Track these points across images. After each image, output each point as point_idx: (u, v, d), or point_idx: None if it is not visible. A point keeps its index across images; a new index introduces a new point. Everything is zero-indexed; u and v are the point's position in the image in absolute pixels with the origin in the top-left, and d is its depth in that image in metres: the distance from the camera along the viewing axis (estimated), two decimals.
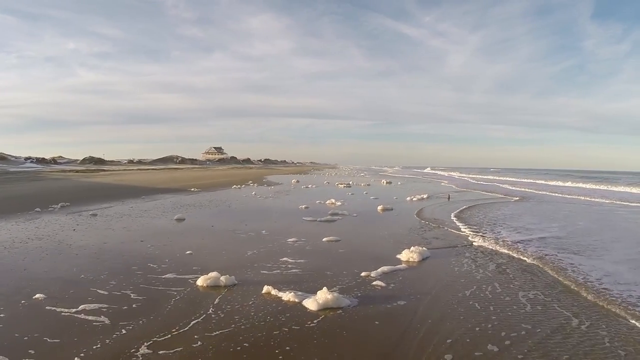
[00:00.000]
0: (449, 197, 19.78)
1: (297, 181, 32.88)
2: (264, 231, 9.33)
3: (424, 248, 7.40)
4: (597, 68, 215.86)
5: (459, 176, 55.47)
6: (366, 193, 22.08)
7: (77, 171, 39.13)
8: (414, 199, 18.54)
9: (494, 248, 8.00)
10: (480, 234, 9.56)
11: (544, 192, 24.72)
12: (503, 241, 8.63)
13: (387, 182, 34.66)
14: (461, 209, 14.85)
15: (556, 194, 23.39)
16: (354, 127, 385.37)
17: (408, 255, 7.04)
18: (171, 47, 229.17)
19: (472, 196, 21.44)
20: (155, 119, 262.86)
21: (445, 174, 68.55)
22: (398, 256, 7.12)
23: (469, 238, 9.01)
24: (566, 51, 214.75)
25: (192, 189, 21.27)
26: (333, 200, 16.35)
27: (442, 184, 34.85)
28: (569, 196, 22.27)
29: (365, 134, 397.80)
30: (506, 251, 7.73)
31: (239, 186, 24.00)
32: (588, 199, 20.60)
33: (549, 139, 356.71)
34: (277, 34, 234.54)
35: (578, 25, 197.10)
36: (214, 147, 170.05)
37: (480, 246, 8.19)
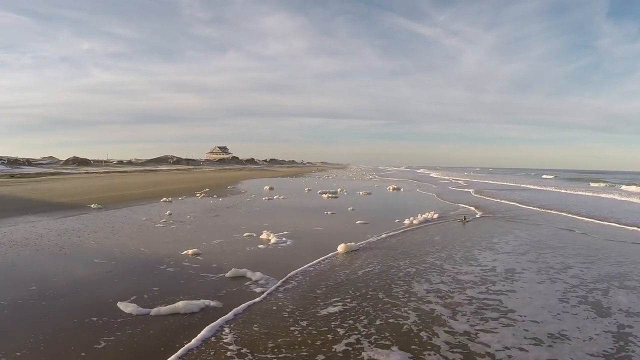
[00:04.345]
0: (464, 219, 13.26)
1: (271, 188, 26.12)
2: None
3: None
4: (612, 67, 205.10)
5: (454, 179, 46.02)
6: (351, 209, 15.13)
7: (11, 176, 33.18)
8: (414, 222, 12.16)
9: None
10: None
11: (549, 211, 15.95)
12: None
13: (394, 188, 27.59)
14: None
15: (564, 214, 15.07)
16: (367, 127, 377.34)
17: None
18: (185, 47, 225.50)
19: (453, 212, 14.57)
20: (168, 118, 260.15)
21: (435, 174, 62.16)
22: None
23: None
24: (581, 50, 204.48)
25: (92, 205, 14.78)
26: (268, 234, 9.64)
27: (418, 190, 27.59)
28: (578, 217, 14.15)
29: (377, 133, 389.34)
30: None
31: (169, 199, 17.28)
32: (605, 223, 13.18)
33: (563, 139, 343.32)
34: (291, 33, 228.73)
35: (593, 24, 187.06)
36: (219, 147, 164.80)
37: None
